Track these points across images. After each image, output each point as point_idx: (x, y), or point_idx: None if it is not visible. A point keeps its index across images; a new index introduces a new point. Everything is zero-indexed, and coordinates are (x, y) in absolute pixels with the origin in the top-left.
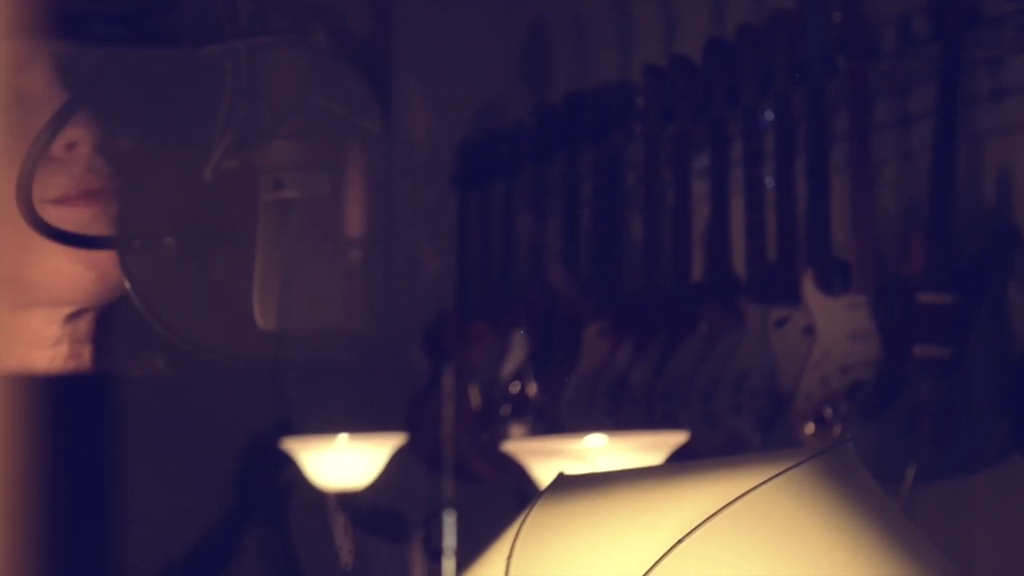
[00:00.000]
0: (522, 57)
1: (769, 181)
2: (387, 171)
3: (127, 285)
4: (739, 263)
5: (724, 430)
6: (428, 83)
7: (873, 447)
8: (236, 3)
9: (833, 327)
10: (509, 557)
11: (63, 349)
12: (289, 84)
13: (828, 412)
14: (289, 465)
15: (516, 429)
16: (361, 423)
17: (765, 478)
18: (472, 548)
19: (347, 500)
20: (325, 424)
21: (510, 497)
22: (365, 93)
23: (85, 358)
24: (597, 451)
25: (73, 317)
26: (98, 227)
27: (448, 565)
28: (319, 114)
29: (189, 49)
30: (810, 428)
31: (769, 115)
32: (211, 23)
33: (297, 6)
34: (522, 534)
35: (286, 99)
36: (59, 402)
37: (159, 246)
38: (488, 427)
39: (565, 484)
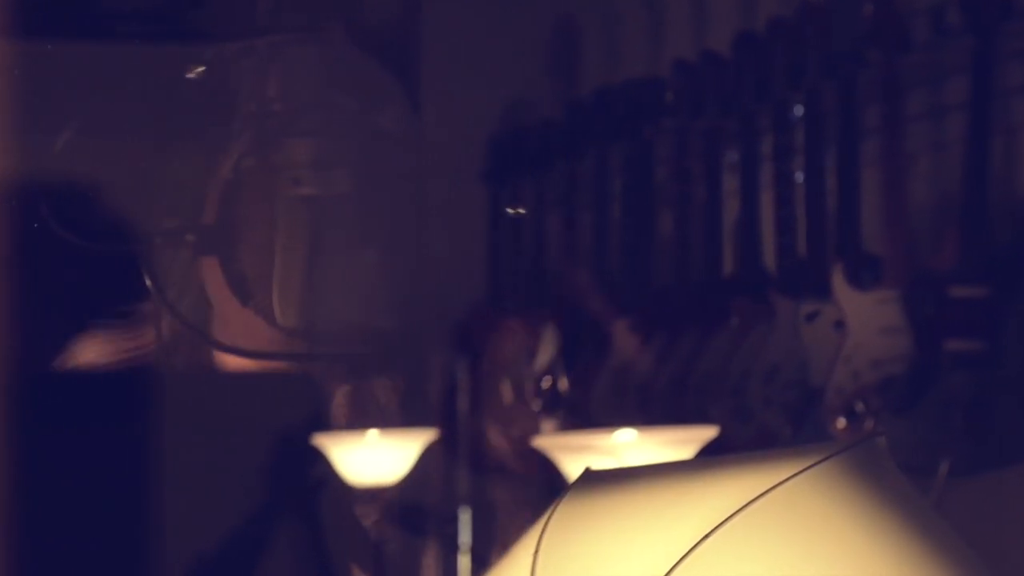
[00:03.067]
0: (551, 52)
1: (799, 175)
2: (413, 167)
3: (148, 283)
4: (770, 257)
5: (755, 424)
6: (457, 79)
7: (905, 442)
8: (255, 1)
9: (864, 321)
10: (536, 552)
11: None
12: (307, 82)
13: (860, 407)
14: (320, 461)
15: (547, 424)
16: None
17: (793, 473)
18: (500, 543)
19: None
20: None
21: (541, 492)
22: (385, 90)
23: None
24: (627, 446)
25: None
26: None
27: (464, 561)
28: (337, 112)
29: (210, 47)
30: (841, 423)
31: (799, 109)
32: (232, 21)
33: (316, 3)
34: (549, 529)
35: (304, 97)
36: (93, 399)
37: (180, 243)
38: (519, 422)
39: (592, 479)
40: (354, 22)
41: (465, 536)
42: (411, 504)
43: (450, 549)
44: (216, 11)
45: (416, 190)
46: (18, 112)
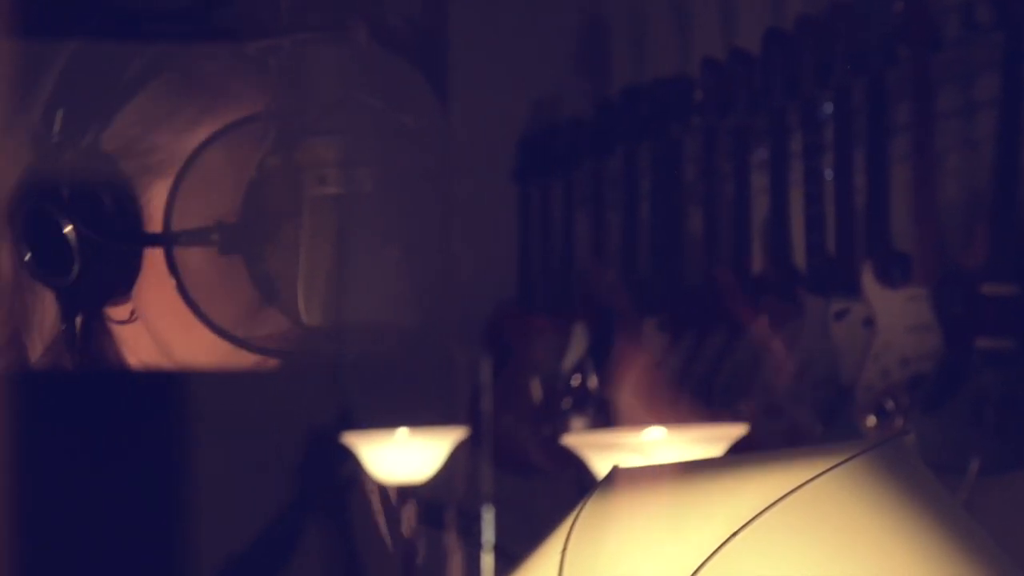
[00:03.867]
0: (580, 51)
1: (828, 173)
2: (441, 166)
3: (173, 282)
4: (799, 255)
5: (785, 422)
6: (486, 78)
7: (935, 440)
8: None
9: (893, 319)
10: (564, 550)
11: None
12: (331, 80)
13: (889, 404)
14: (350, 459)
15: (577, 422)
16: (418, 417)
17: (819, 471)
18: (529, 541)
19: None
20: (385, 418)
21: (570, 490)
22: (411, 88)
23: None
24: (656, 444)
25: None
26: None
27: (488, 560)
28: (362, 110)
29: (235, 46)
30: (871, 420)
31: (829, 107)
32: (256, 19)
33: (340, 2)
34: (577, 527)
35: (328, 95)
36: (122, 399)
37: (205, 242)
38: (549, 420)
39: (619, 477)
40: (380, 21)
41: (489, 534)
42: (436, 501)
43: (474, 547)
44: (241, 10)
45: (444, 188)
46: (44, 111)
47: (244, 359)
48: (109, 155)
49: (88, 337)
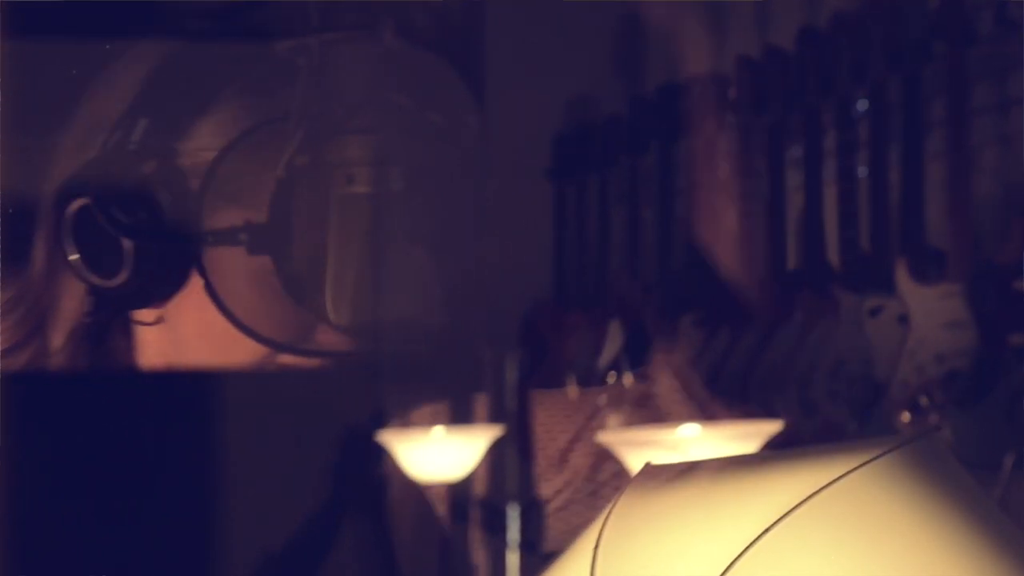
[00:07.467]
0: (616, 49)
1: (863, 170)
2: (472, 164)
3: (201, 282)
4: (833, 252)
5: (820, 418)
6: (521, 76)
7: (970, 436)
8: None
9: (928, 316)
10: (596, 546)
11: None
12: (360, 79)
13: (924, 401)
14: (385, 457)
15: (612, 419)
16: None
17: (852, 467)
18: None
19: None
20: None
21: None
22: (442, 86)
23: None
24: (691, 441)
25: None
26: None
27: (512, 558)
28: (391, 109)
29: (263, 45)
30: (906, 417)
31: (863, 104)
32: (285, 19)
33: (367, 1)
34: (609, 523)
35: (357, 94)
36: (157, 397)
37: (233, 241)
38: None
39: (652, 474)
40: (412, 19)
41: (516, 532)
42: (465, 499)
43: (501, 544)
44: (271, 10)
45: (476, 187)
46: (72, 111)
47: (274, 361)
48: (180, 168)
49: (106, 333)
